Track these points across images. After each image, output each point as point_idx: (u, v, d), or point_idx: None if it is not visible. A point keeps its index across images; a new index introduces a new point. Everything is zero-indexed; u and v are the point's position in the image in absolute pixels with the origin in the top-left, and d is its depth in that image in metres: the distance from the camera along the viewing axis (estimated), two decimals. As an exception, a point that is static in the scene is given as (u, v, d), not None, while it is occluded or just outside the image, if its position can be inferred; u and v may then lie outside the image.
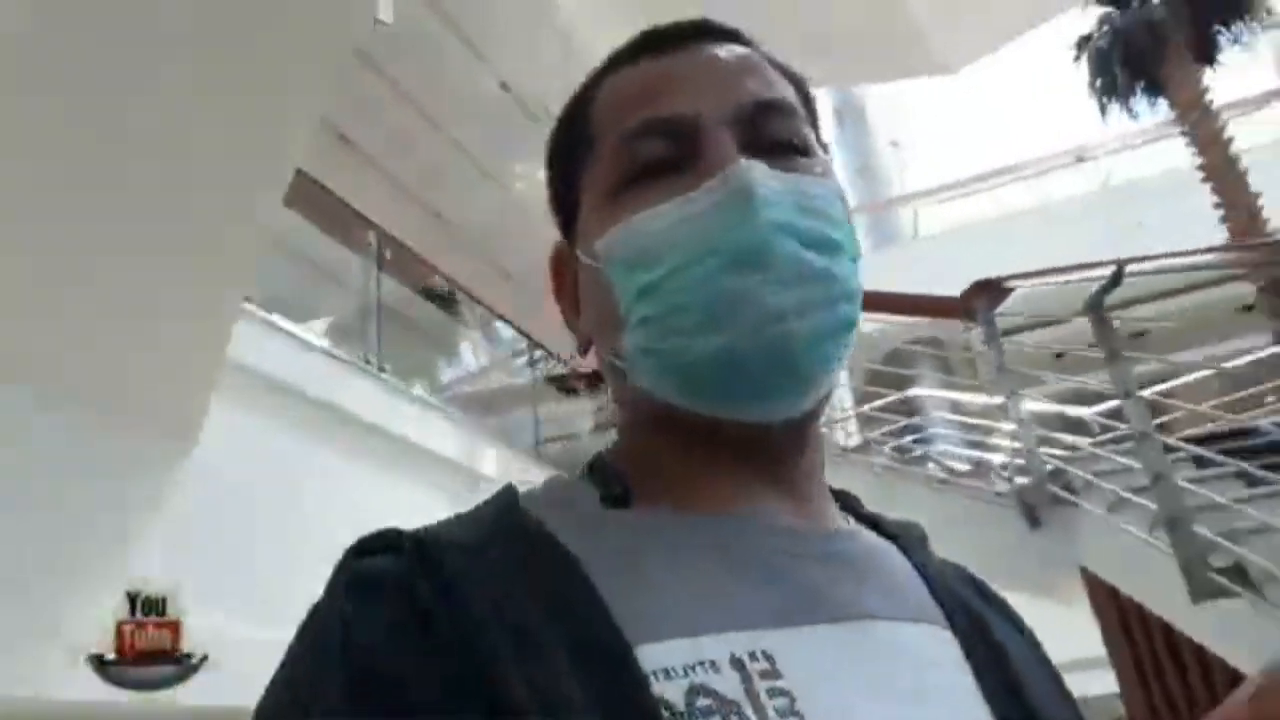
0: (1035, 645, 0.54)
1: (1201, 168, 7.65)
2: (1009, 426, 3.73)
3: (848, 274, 0.47)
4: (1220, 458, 2.78)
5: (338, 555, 0.43)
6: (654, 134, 0.48)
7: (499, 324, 7.71)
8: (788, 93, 0.52)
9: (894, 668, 0.43)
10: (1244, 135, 8.61)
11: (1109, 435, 3.65)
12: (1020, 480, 3.60)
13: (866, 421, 5.17)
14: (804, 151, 0.50)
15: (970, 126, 11.85)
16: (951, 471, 4.17)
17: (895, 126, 11.95)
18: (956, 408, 4.87)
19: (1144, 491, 2.76)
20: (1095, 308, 2.86)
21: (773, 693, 0.38)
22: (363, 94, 5.74)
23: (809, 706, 0.38)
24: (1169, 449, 2.86)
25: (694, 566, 0.43)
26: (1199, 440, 3.08)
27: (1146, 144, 9.78)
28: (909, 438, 4.73)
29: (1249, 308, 7.76)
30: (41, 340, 2.77)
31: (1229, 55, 8.32)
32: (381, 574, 0.41)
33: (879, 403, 4.91)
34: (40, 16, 2.19)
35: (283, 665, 0.41)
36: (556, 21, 5.86)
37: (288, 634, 0.42)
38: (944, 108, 11.01)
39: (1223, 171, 7.44)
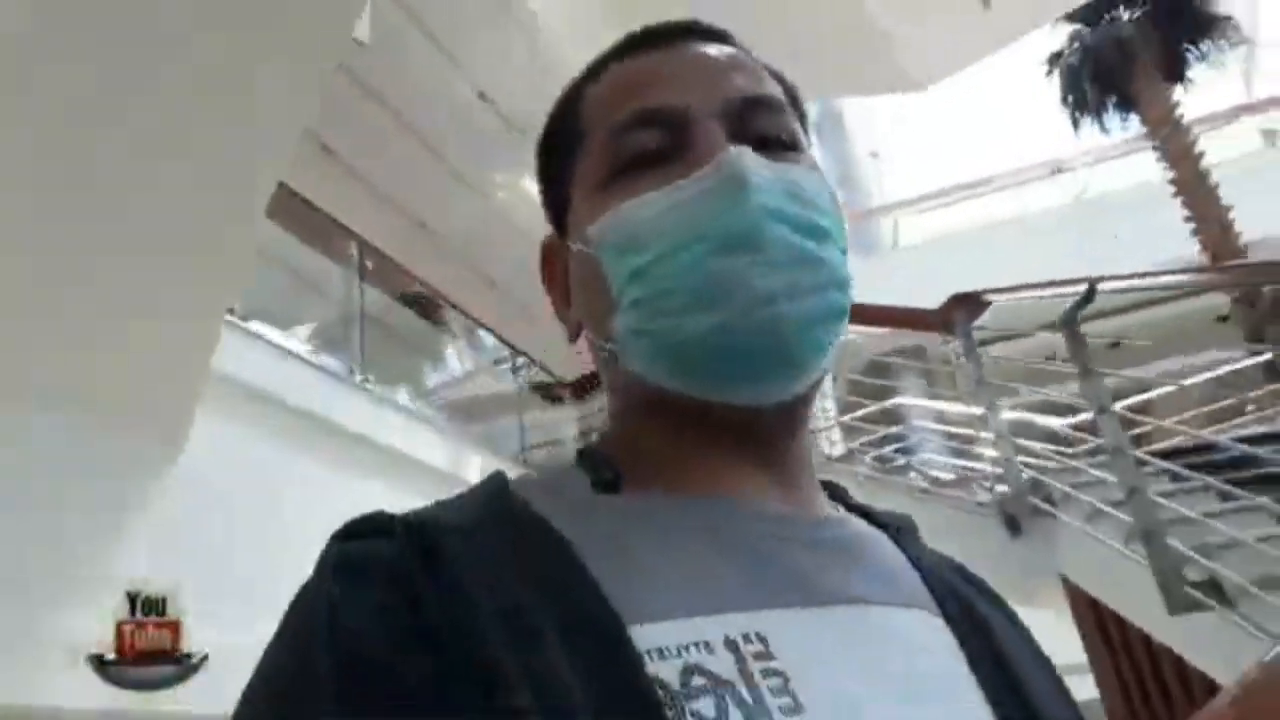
0: (1030, 640, 0.54)
1: (1173, 182, 7.81)
2: (989, 437, 3.78)
3: (838, 261, 0.48)
4: (1187, 472, 2.83)
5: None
6: (645, 124, 0.49)
7: (483, 330, 7.71)
8: (775, 90, 0.52)
9: (886, 652, 0.43)
10: (1216, 149, 8.80)
11: (1087, 446, 3.72)
12: (1001, 488, 3.65)
13: (849, 431, 5.22)
14: (792, 146, 0.50)
15: (949, 138, 11.99)
16: (935, 481, 4.22)
17: (874, 137, 12.07)
18: (939, 418, 4.93)
19: (1121, 504, 2.81)
20: (1069, 324, 2.91)
21: (766, 673, 0.38)
22: (344, 104, 5.73)
23: (802, 687, 0.38)
24: (1143, 462, 2.93)
25: (685, 549, 0.43)
26: (1170, 454, 3.14)
27: (1120, 158, 9.96)
28: (889, 448, 4.78)
29: (1224, 318, 7.92)
30: (37, 344, 2.74)
31: (1199, 71, 8.52)
32: (370, 556, 0.40)
33: (861, 412, 4.96)
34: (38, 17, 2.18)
35: (268, 651, 0.40)
36: (536, 34, 5.89)
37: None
38: (923, 119, 11.14)
39: (1193, 186, 7.60)
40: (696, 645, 0.38)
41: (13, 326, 2.63)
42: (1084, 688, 3.66)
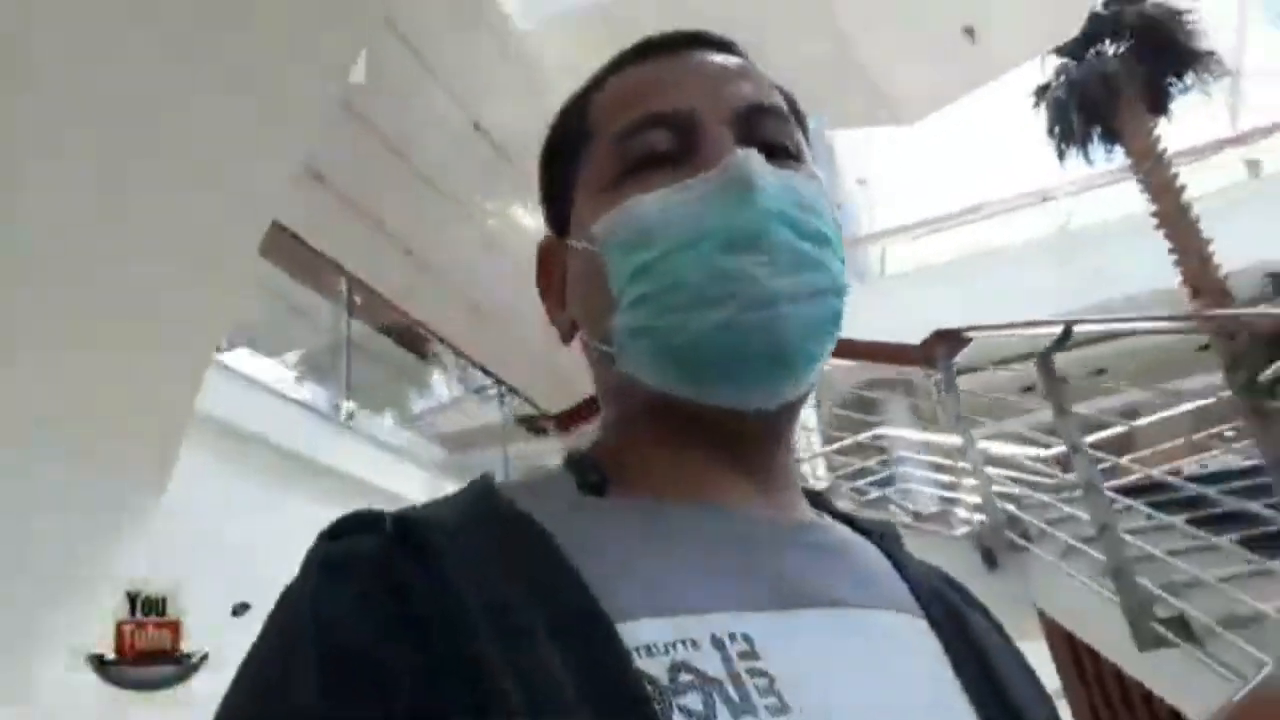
0: (1014, 648, 0.54)
1: (1155, 215, 7.92)
2: (967, 468, 3.83)
3: (837, 269, 0.48)
4: (1148, 509, 2.89)
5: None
6: (653, 127, 0.49)
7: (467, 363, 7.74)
8: (780, 100, 0.53)
9: (872, 654, 0.43)
10: (1201, 180, 8.92)
11: (1061, 480, 3.77)
12: (979, 517, 3.70)
13: (832, 465, 5.28)
14: (796, 156, 0.51)
15: (936, 167, 12.12)
16: (916, 515, 4.27)
17: (863, 164, 12.19)
18: (922, 449, 4.98)
19: (1093, 540, 2.87)
20: (1045, 363, 2.97)
21: (753, 673, 0.38)
22: (335, 130, 5.79)
23: (788, 688, 0.39)
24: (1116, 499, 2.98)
25: (671, 550, 0.44)
26: (1147, 488, 3.19)
27: (1104, 188, 10.09)
28: (866, 481, 4.84)
29: (1205, 347, 8.01)
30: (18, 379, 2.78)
31: (1185, 103, 8.66)
32: (357, 553, 0.40)
33: (845, 443, 5.01)
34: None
35: (253, 649, 0.40)
36: (530, 63, 5.97)
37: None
38: (911, 147, 11.26)
39: (1175, 219, 7.70)
40: (684, 643, 0.39)
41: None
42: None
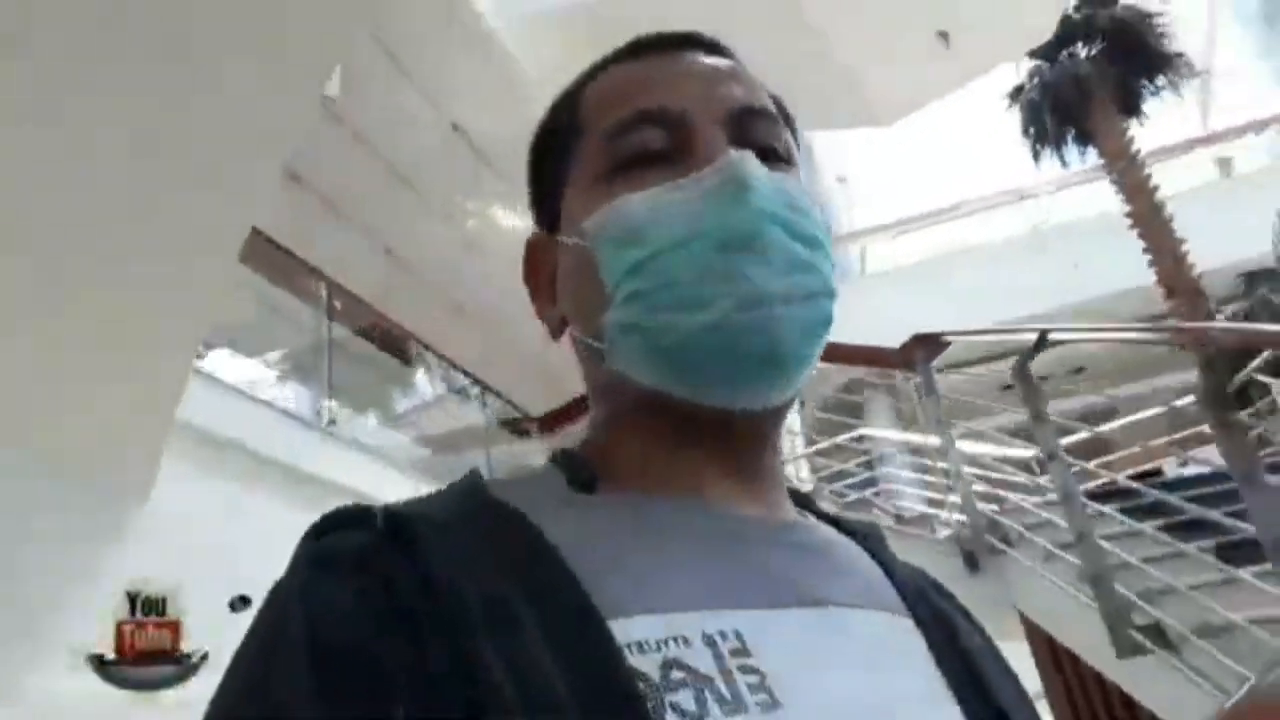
0: (998, 654, 0.54)
1: (1129, 215, 8.02)
2: (948, 469, 3.86)
3: (828, 271, 0.48)
4: (1123, 517, 2.92)
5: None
6: (647, 124, 0.49)
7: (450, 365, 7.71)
8: (770, 103, 0.53)
9: (860, 652, 0.44)
10: (1174, 179, 9.05)
11: (1041, 482, 3.81)
12: (959, 517, 3.73)
13: (815, 466, 5.30)
14: (786, 159, 0.51)
15: (915, 165, 12.21)
16: (899, 518, 4.30)
17: (841, 163, 12.25)
18: (906, 450, 5.02)
19: (1072, 547, 2.90)
20: (1021, 371, 3.00)
21: (744, 670, 0.38)
22: (314, 132, 5.74)
23: (778, 685, 0.39)
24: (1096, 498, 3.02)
25: (661, 547, 0.44)
26: (1116, 493, 3.22)
27: (1078, 186, 10.21)
28: (845, 483, 4.87)
29: (1182, 346, 8.13)
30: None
31: (1157, 103, 8.77)
32: (347, 549, 0.40)
33: (823, 446, 5.04)
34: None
35: (242, 647, 0.39)
36: (508, 63, 5.95)
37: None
38: (888, 147, 11.34)
39: (1149, 219, 7.81)
40: (675, 640, 0.38)
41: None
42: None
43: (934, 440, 3.91)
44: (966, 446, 3.98)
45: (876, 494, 4.81)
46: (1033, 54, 8.36)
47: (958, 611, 0.55)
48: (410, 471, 5.72)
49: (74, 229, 2.57)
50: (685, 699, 0.36)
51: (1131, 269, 7.98)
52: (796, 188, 0.48)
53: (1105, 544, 2.71)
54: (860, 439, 5.06)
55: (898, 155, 11.65)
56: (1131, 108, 8.43)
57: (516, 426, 7.44)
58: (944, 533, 3.97)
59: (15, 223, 2.46)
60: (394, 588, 0.37)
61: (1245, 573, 2.39)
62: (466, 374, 7.34)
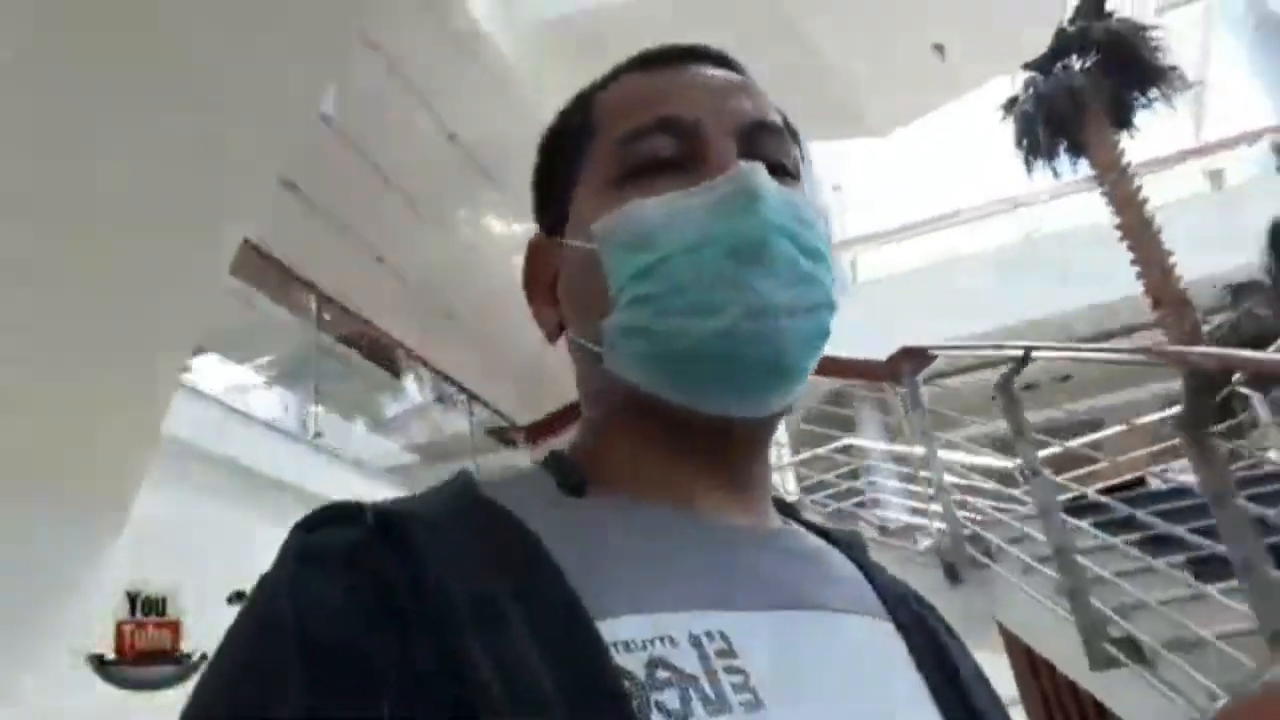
0: (975, 663, 0.55)
1: (1119, 226, 8.08)
2: (930, 479, 3.90)
3: (830, 285, 0.49)
4: (1100, 534, 2.96)
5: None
6: (659, 132, 0.50)
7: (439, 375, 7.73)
8: (779, 119, 0.54)
9: (843, 656, 0.45)
10: (1164, 190, 9.11)
11: (1017, 494, 3.86)
12: (939, 525, 3.77)
13: (801, 476, 5.35)
14: (794, 175, 0.52)
15: (909, 174, 12.26)
16: (883, 530, 4.35)
17: (836, 170, 12.31)
18: (889, 463, 5.07)
19: (1050, 560, 2.94)
20: (1004, 388, 3.04)
21: (729, 670, 0.39)
22: (310, 142, 5.77)
23: (763, 686, 0.39)
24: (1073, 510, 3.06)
25: (649, 550, 0.44)
26: (1095, 506, 3.26)
27: (1070, 196, 10.27)
28: (827, 494, 4.91)
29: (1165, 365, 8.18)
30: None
31: (1150, 114, 8.83)
32: (337, 545, 0.40)
33: (805, 456, 5.09)
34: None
35: (226, 643, 0.39)
36: (504, 75, 5.98)
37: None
38: (884, 154, 11.39)
39: (1138, 231, 7.87)
40: (661, 639, 0.39)
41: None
42: (1016, 726, 3.80)
43: (919, 450, 3.95)
44: (950, 456, 4.03)
45: (861, 505, 4.85)
46: (1027, 66, 8.42)
47: (938, 622, 0.56)
48: (394, 480, 5.75)
49: (62, 244, 2.59)
50: (670, 698, 0.37)
51: (1121, 279, 8.04)
52: (803, 201, 0.49)
53: (1083, 559, 2.76)
54: (846, 449, 5.10)
55: (891, 164, 11.69)
56: (1124, 120, 8.50)
57: (503, 436, 7.46)
58: (925, 543, 4.01)
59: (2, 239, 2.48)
60: (383, 585, 0.38)
61: (1215, 589, 2.43)
62: (453, 383, 7.37)
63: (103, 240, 2.63)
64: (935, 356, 3.99)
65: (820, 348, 0.48)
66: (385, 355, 7.30)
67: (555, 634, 0.37)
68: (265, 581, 0.40)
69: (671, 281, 0.46)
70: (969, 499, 3.83)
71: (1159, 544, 2.96)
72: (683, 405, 0.47)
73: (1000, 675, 3.65)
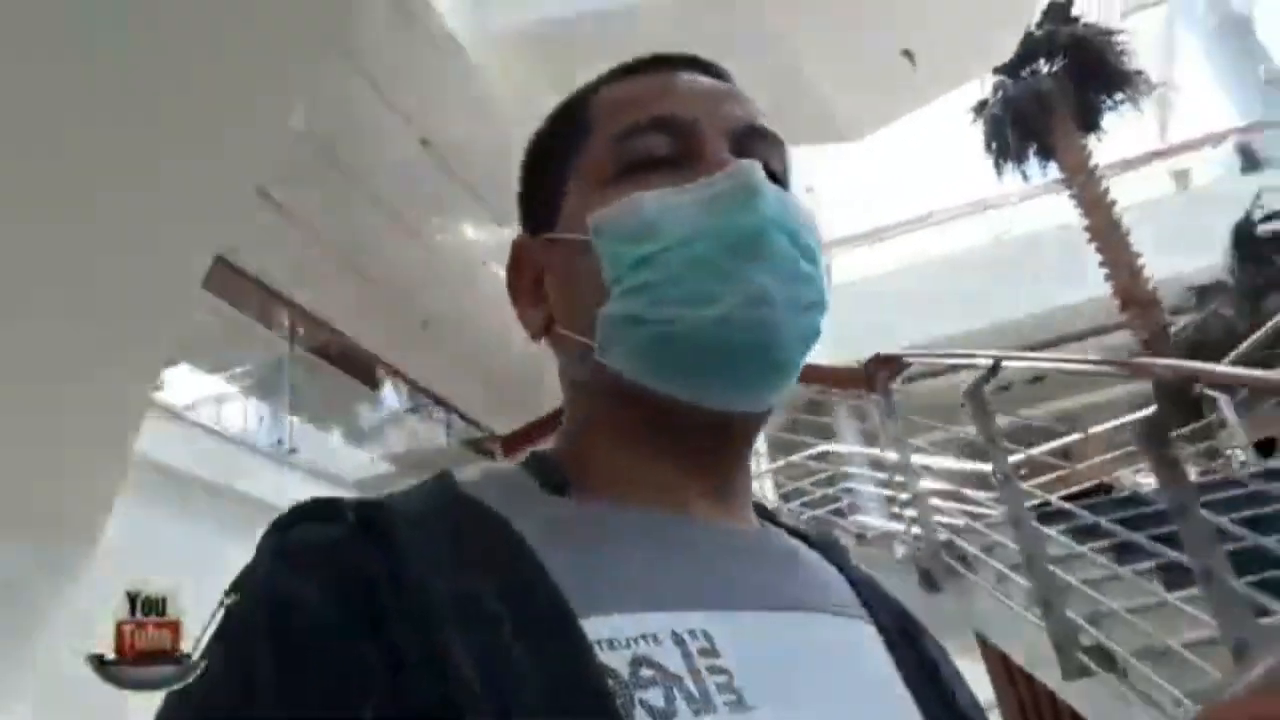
0: (957, 671, 0.55)
1: (1087, 228, 8.19)
2: (906, 496, 3.93)
3: (823, 285, 0.50)
4: (1072, 542, 2.99)
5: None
6: (658, 129, 0.50)
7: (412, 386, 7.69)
8: (768, 126, 0.54)
9: (825, 655, 0.45)
10: (1131, 191, 9.23)
11: (989, 500, 3.90)
12: (916, 530, 3.80)
13: (778, 482, 5.37)
14: (784, 181, 0.53)
15: (880, 177, 12.36)
16: (860, 538, 4.38)
17: (809, 173, 12.38)
18: (866, 470, 5.10)
19: (1022, 568, 2.97)
20: (974, 397, 3.07)
21: (712, 669, 0.39)
22: (284, 153, 5.71)
23: (746, 685, 0.39)
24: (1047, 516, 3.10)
25: (632, 550, 0.44)
26: (1069, 512, 3.30)
27: (1039, 198, 10.40)
28: (803, 501, 4.94)
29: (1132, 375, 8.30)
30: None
31: (1116, 116, 8.95)
32: (316, 541, 0.40)
33: (779, 464, 5.11)
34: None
35: (213, 641, 0.40)
36: (478, 82, 5.96)
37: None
38: (855, 157, 11.47)
39: (1106, 233, 7.98)
40: (645, 638, 0.39)
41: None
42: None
43: (893, 456, 3.99)
44: (925, 461, 4.07)
45: (839, 513, 4.88)
46: (996, 70, 8.51)
47: (917, 626, 0.57)
48: (369, 493, 5.72)
49: (31, 257, 2.55)
50: (654, 696, 0.37)
51: (1090, 280, 8.15)
52: (796, 203, 0.50)
53: (1054, 567, 2.79)
54: (823, 456, 5.13)
55: (862, 167, 11.78)
56: (1091, 123, 8.61)
57: (480, 446, 7.43)
58: (901, 551, 4.04)
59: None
60: (365, 581, 0.37)
61: (1178, 597, 2.47)
62: (429, 394, 7.33)
63: (71, 255, 2.58)
64: (910, 364, 4.03)
65: (811, 347, 0.49)
66: (363, 366, 7.25)
67: (538, 631, 0.37)
68: (243, 579, 0.40)
69: (669, 271, 0.46)
70: (944, 504, 3.86)
71: (1130, 550, 3.00)
72: (684, 400, 0.47)
73: (978, 682, 3.69)
